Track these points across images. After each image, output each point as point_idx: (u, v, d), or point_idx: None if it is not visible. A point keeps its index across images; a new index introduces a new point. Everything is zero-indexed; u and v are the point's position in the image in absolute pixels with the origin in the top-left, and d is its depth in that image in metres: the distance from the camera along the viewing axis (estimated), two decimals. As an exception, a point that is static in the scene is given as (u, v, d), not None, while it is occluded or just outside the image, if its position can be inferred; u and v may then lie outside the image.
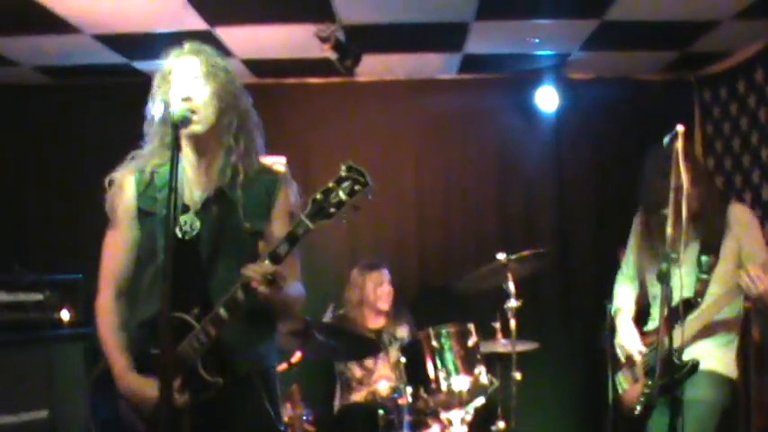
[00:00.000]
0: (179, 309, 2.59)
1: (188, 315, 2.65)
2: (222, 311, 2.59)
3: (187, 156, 2.81)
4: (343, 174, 2.50)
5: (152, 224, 2.78)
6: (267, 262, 2.54)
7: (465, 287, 5.13)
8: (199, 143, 2.77)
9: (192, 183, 2.82)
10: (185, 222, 2.76)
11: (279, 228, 2.82)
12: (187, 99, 2.69)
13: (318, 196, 2.51)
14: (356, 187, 2.49)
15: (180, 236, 2.74)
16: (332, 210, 2.50)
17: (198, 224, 2.77)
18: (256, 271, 2.53)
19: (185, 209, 2.77)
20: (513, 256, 4.79)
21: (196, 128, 2.70)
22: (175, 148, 2.51)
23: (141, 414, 2.70)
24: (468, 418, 4.64)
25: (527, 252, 4.85)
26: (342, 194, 2.48)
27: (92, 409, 2.87)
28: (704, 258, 3.90)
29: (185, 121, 2.63)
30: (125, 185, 2.85)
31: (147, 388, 2.63)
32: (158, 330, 2.40)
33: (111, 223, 2.86)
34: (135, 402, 2.69)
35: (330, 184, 2.51)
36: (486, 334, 4.94)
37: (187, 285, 2.60)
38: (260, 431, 2.84)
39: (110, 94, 6.27)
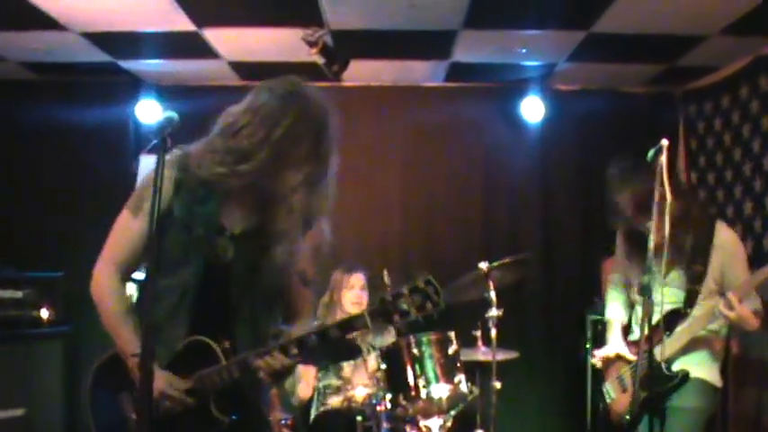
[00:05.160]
0: (203, 333, 2.57)
1: (217, 345, 2.59)
2: (253, 361, 2.52)
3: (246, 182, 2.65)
4: (419, 285, 2.41)
5: (184, 238, 2.66)
6: (280, 355, 2.49)
7: (449, 299, 5.10)
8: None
9: (236, 207, 2.71)
10: (220, 246, 2.68)
11: (305, 261, 2.77)
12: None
13: (388, 298, 2.42)
14: (428, 305, 2.41)
15: (212, 259, 2.66)
16: (396, 317, 2.42)
17: (231, 252, 2.69)
18: (268, 364, 2.49)
19: (222, 230, 2.68)
20: (495, 264, 4.78)
21: None
22: (163, 150, 2.41)
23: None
24: (448, 425, 4.64)
25: (508, 259, 4.85)
26: (411, 308, 2.40)
27: (89, 400, 2.77)
28: (693, 270, 3.91)
29: None
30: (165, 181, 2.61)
31: (156, 378, 2.46)
32: (181, 357, 2.46)
33: (134, 209, 2.68)
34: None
35: (404, 290, 2.42)
36: (467, 342, 4.94)
37: (212, 310, 2.58)
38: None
39: (96, 92, 6.24)
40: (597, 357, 4.21)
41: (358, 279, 5.42)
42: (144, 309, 2.31)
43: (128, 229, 2.69)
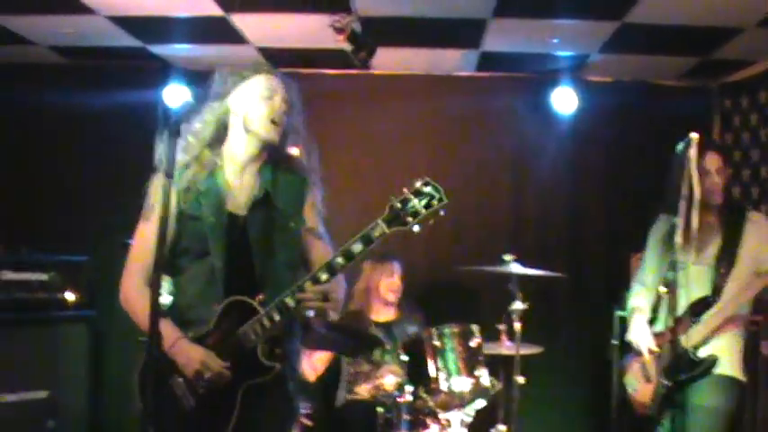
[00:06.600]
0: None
1: (252, 300, 2.76)
2: (289, 300, 2.67)
3: (235, 165, 2.92)
4: (419, 187, 2.61)
5: (199, 228, 2.83)
6: (312, 285, 2.67)
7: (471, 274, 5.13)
8: (256, 155, 2.92)
9: (237, 190, 2.90)
10: (235, 228, 2.85)
11: (312, 225, 3.01)
12: (276, 123, 2.89)
13: (397, 204, 2.62)
14: (433, 201, 2.61)
15: (231, 240, 2.84)
16: (408, 218, 2.61)
17: (247, 230, 2.86)
18: (311, 290, 2.65)
19: (232, 214, 2.86)
20: (522, 272, 4.75)
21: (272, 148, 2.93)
22: (173, 136, 2.47)
23: (193, 389, 2.74)
24: (468, 419, 4.60)
25: (539, 272, 4.83)
26: (419, 206, 2.60)
27: (140, 382, 2.84)
28: (722, 258, 3.91)
29: (271, 143, 2.87)
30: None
31: (194, 351, 2.72)
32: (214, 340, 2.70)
33: (146, 216, 2.85)
34: (180, 365, 2.73)
35: (408, 195, 2.61)
36: (491, 336, 4.89)
37: (242, 283, 2.77)
38: (282, 412, 2.95)
39: (125, 76, 6.25)
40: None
41: (397, 267, 5.43)
42: (152, 302, 2.35)
43: (143, 235, 2.86)
